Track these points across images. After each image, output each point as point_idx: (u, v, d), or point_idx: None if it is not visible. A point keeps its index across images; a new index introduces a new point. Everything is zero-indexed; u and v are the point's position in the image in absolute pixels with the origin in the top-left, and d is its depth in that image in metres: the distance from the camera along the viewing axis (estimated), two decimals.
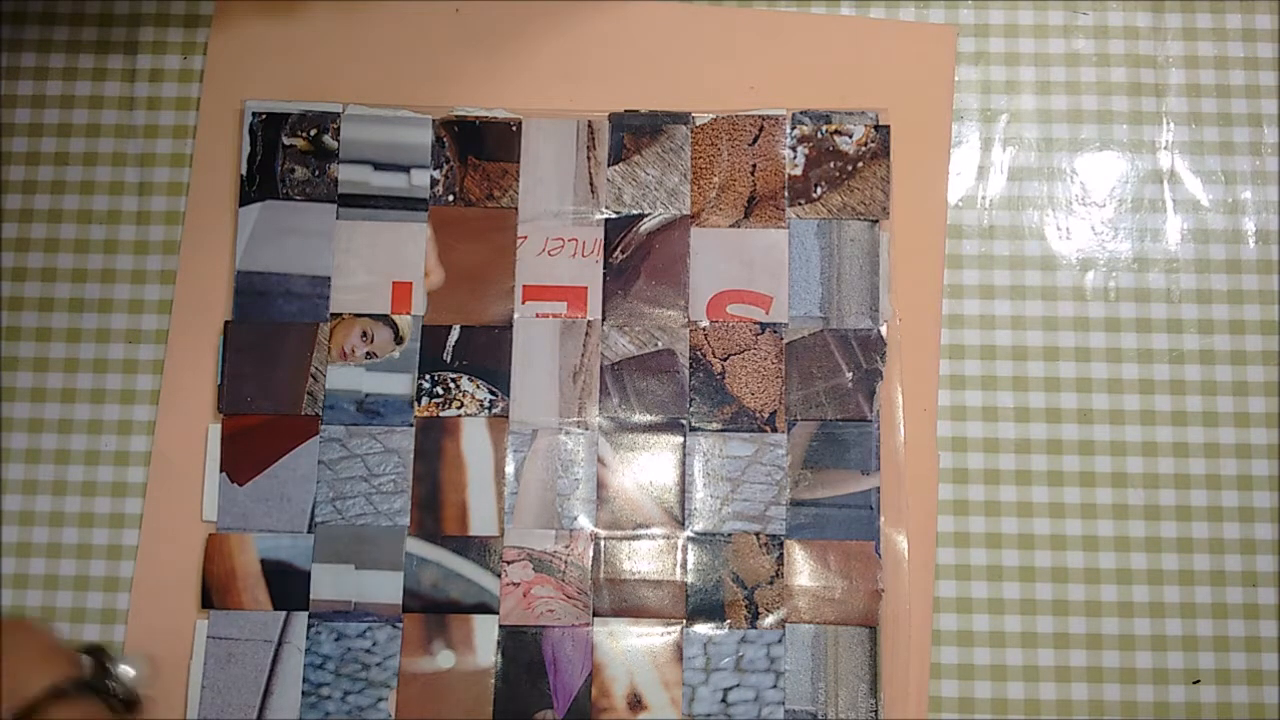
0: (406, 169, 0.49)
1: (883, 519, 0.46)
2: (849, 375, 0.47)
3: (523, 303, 0.48)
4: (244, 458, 0.47)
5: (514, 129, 0.49)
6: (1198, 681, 0.45)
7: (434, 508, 0.46)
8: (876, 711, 0.44)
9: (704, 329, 0.48)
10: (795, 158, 0.48)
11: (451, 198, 0.49)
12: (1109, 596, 0.46)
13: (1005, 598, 0.46)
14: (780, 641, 0.45)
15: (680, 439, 0.47)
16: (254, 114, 0.49)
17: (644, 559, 0.46)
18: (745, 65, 0.49)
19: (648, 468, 0.47)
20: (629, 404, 0.47)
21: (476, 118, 0.49)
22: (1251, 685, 0.45)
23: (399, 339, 0.48)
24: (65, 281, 0.49)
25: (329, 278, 0.48)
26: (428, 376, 0.47)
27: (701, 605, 0.46)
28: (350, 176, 0.49)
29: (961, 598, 0.46)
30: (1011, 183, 0.48)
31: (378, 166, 0.49)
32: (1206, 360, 0.47)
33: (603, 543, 0.46)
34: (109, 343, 0.48)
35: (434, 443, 0.47)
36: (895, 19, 0.49)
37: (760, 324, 0.47)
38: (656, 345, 0.48)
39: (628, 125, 0.49)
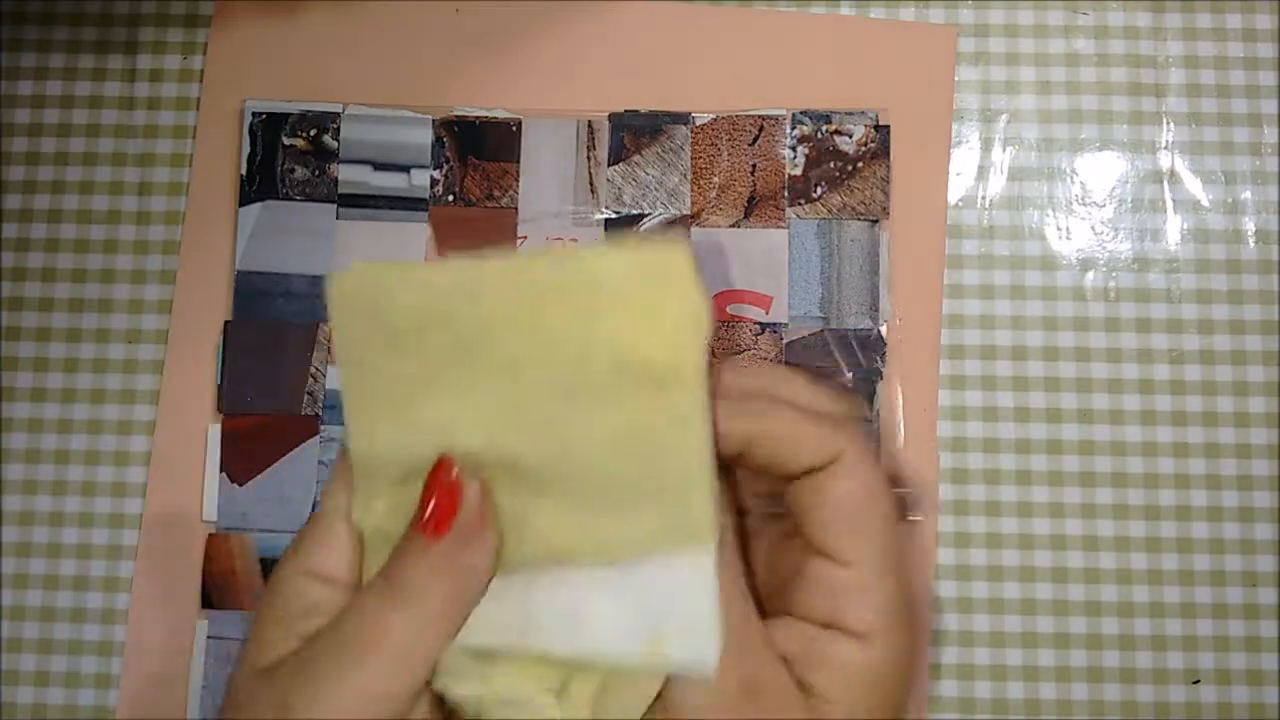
0: (406, 169, 0.49)
1: None
2: (849, 375, 0.47)
3: None
4: (244, 458, 0.47)
5: (514, 129, 0.49)
6: (1198, 681, 0.45)
7: None
8: None
9: None
10: (795, 158, 0.48)
11: (451, 198, 0.49)
12: (1109, 596, 0.46)
13: (1005, 598, 0.46)
14: None
15: None
16: (254, 114, 0.49)
17: None
18: (745, 65, 0.49)
19: None
20: None
21: (476, 118, 0.49)
22: (1251, 685, 0.45)
23: None
24: (65, 281, 0.49)
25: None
26: None
27: None
28: (350, 176, 0.49)
29: (962, 598, 0.46)
30: (1011, 183, 0.48)
31: (378, 166, 0.49)
32: (1206, 360, 0.47)
33: None
34: (109, 343, 0.48)
35: None
36: (895, 19, 0.49)
37: (760, 324, 0.47)
38: None
39: (628, 125, 0.49)
